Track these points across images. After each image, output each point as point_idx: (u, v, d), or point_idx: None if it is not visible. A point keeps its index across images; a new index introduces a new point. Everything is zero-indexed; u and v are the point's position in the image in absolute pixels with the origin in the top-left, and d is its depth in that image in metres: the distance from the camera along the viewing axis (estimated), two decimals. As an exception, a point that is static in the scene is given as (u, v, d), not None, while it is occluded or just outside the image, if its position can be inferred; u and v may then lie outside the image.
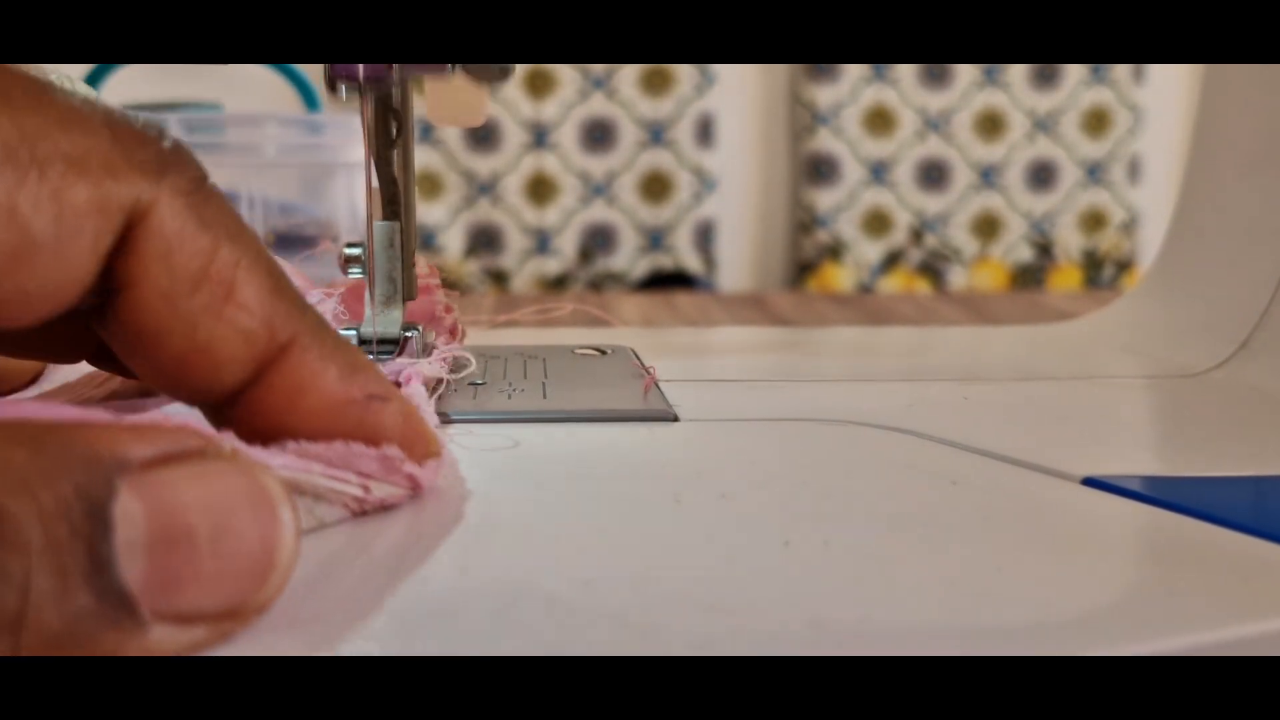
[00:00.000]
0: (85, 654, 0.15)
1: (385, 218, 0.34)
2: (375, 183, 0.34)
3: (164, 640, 0.15)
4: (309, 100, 0.81)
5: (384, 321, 0.33)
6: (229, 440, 0.18)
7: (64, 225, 0.18)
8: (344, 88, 0.31)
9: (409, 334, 0.33)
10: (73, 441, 0.15)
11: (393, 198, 0.34)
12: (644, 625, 0.18)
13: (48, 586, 0.14)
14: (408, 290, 0.34)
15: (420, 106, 0.38)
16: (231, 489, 0.16)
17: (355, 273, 0.34)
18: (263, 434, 0.21)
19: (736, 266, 1.06)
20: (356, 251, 0.33)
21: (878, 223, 1.03)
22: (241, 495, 0.16)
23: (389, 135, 0.34)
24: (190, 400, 0.22)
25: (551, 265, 1.01)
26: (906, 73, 1.02)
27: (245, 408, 0.21)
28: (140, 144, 0.19)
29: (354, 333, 0.33)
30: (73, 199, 0.18)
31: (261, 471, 0.17)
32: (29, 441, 0.15)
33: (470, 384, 0.35)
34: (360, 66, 0.31)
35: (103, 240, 0.19)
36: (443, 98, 0.39)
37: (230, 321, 0.20)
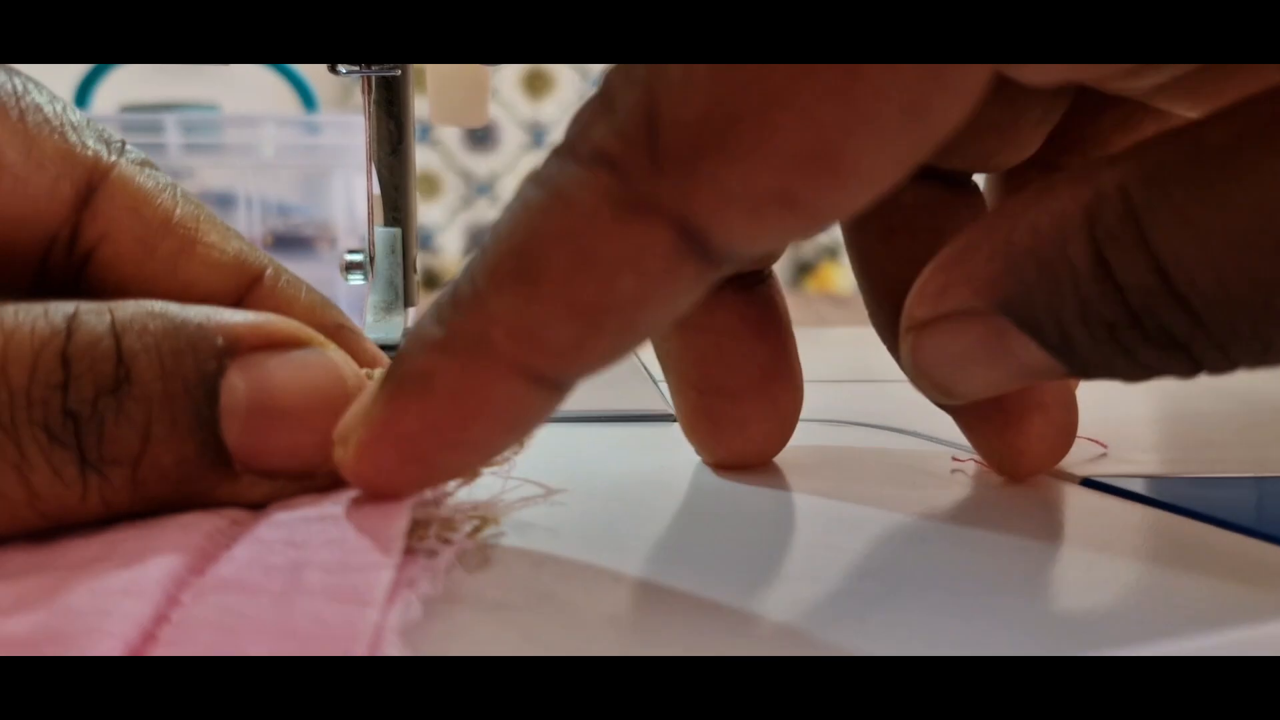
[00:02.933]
0: (189, 491, 0.19)
1: (387, 224, 0.34)
2: (376, 189, 0.34)
3: (252, 488, 0.19)
4: (307, 100, 0.81)
5: (385, 328, 0.33)
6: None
7: (31, 160, 0.22)
8: (344, 68, 0.32)
9: None
10: (203, 324, 0.19)
11: (394, 204, 0.34)
12: (644, 625, 0.18)
13: (162, 434, 0.18)
14: (409, 296, 0.34)
15: (421, 107, 0.38)
16: (317, 380, 0.19)
17: (356, 279, 0.34)
18: None
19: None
20: (358, 258, 0.33)
21: (876, 223, 1.03)
22: (324, 385, 0.19)
23: (390, 141, 0.34)
24: None
25: (550, 266, 1.01)
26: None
27: None
28: (96, 130, 0.23)
29: None
30: (42, 144, 0.22)
31: (344, 364, 0.20)
32: (165, 316, 0.19)
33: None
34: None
35: (63, 184, 0.22)
36: (444, 98, 0.39)
37: (203, 259, 0.23)
